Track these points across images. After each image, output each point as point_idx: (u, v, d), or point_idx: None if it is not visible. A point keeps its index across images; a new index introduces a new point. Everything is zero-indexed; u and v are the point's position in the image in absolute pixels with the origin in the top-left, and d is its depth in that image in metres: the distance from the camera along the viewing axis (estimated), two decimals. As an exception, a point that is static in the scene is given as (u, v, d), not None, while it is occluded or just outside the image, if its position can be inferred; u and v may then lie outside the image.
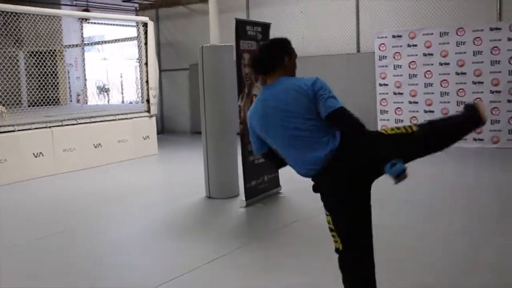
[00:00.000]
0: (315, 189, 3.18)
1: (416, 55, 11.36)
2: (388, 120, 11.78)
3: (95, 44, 17.50)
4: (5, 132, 9.00)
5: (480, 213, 6.09)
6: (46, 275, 4.67)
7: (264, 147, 3.29)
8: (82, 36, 16.40)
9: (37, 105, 12.43)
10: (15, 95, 10.49)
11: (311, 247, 5.09)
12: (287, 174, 6.95)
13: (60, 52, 14.70)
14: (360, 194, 3.13)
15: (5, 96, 10.28)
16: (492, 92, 10.64)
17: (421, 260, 4.62)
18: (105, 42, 17.31)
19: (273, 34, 7.72)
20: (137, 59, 12.48)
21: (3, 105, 9.88)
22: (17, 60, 13.51)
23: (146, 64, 11.65)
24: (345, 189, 3.08)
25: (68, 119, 10.14)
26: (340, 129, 3.06)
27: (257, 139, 3.28)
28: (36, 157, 9.32)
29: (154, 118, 11.86)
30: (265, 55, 3.26)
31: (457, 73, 10.95)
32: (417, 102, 11.47)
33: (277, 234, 5.65)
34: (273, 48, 3.29)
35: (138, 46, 11.91)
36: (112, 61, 18.90)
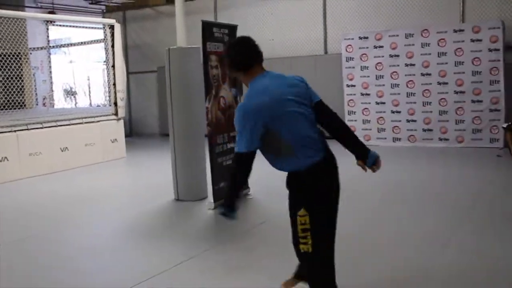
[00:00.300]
0: (297, 183, 3.21)
1: (383, 56, 11.52)
2: (355, 120, 11.91)
3: (61, 46, 17.28)
4: (-32, 136, 8.83)
5: (446, 209, 6.21)
6: (11, 282, 4.60)
7: (257, 144, 3.14)
8: (48, 38, 16.16)
9: (2, 109, 12.22)
10: (-22, 99, 10.29)
11: (279, 248, 5.11)
12: (255, 176, 6.97)
13: (25, 55, 14.47)
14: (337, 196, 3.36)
15: (-31, 100, 10.10)
16: (456, 92, 10.84)
17: (380, 259, 4.69)
18: (72, 44, 17.11)
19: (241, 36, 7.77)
20: (104, 61, 12.37)
21: (-33, 109, 9.70)
22: (-19, 63, 13.26)
23: (113, 66, 11.55)
24: (336, 187, 3.30)
25: (34, 123, 9.99)
26: (327, 114, 3.45)
27: (256, 134, 3.10)
28: (0, 161, 9.16)
29: (122, 121, 11.76)
30: (255, 48, 3.34)
31: (423, 74, 11.13)
32: (384, 103, 11.63)
33: (245, 235, 5.66)
34: (254, 42, 3.39)
35: (105, 48, 11.80)
36: (79, 64, 18.68)
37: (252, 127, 3.07)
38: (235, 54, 3.30)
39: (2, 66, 11.77)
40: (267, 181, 8.17)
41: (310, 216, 3.14)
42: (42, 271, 4.81)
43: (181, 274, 4.53)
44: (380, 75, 11.61)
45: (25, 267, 4.94)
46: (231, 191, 3.28)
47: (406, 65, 11.29)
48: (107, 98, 12.36)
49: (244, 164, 3.15)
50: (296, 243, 3.28)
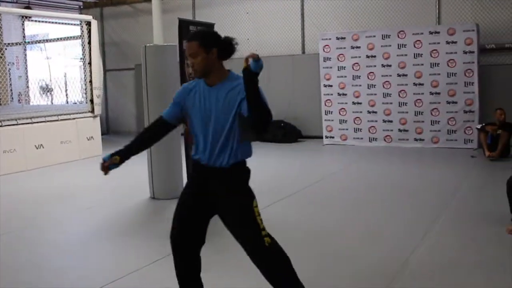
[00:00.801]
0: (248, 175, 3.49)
1: (360, 57, 11.60)
2: (332, 120, 11.99)
3: (37, 42, 17.06)
4: None
5: (420, 208, 6.29)
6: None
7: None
8: (23, 34, 15.94)
9: (-24, 105, 12.07)
10: (-49, 95, 10.14)
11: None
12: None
13: (0, 50, 14.27)
14: None
15: None
16: (432, 93, 10.98)
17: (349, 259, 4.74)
18: (48, 40, 16.91)
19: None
20: (81, 58, 12.27)
21: None
22: (-46, 59, 13.06)
23: (90, 63, 11.47)
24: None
25: (8, 120, 9.88)
26: None
27: None
28: (-26, 158, 9.05)
29: (98, 119, 11.68)
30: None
31: (399, 75, 11.25)
32: (360, 103, 11.72)
33: (221, 233, 5.66)
34: None
35: (82, 45, 11.71)
36: (55, 61, 18.47)
37: None
38: (228, 43, 3.35)
39: (-24, 62, 11.61)
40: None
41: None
42: (13, 270, 4.77)
43: (154, 273, 4.53)
44: (357, 76, 11.70)
45: (-3, 265, 4.89)
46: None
47: (383, 65, 11.39)
48: (84, 95, 12.27)
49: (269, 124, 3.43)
50: (257, 243, 3.32)
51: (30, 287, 4.34)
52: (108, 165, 3.48)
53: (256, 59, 3.11)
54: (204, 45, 3.26)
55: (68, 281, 4.44)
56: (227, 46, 3.34)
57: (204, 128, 3.31)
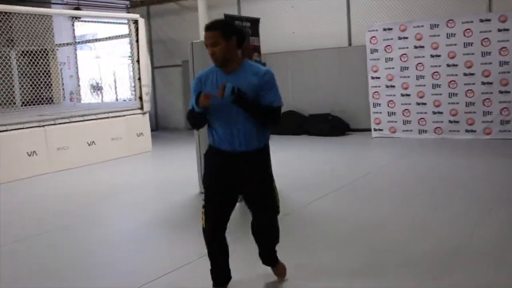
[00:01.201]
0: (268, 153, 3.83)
1: (407, 47, 11.40)
2: (380, 113, 11.84)
3: (87, 42, 17.46)
4: (-2, 131, 9.01)
5: (470, 201, 6.15)
6: (36, 273, 4.70)
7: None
8: (74, 34, 16.34)
9: (31, 104, 12.44)
10: (8, 95, 10.49)
11: (302, 239, 5.16)
12: (282, 168, 7.00)
13: (52, 51, 14.67)
14: None
15: (-2, 95, 10.30)
16: (483, 83, 10.69)
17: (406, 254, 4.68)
18: (97, 40, 17.28)
19: (263, 29, 7.76)
20: (129, 56, 12.49)
21: (-4, 104, 9.90)
22: (9, 60, 13.48)
23: (138, 61, 11.66)
24: None
25: (62, 118, 10.16)
26: None
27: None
28: (30, 156, 9.34)
29: (147, 115, 11.88)
30: None
31: (448, 65, 11.00)
32: (409, 95, 11.52)
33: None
34: None
35: (130, 43, 11.92)
36: (105, 59, 18.87)
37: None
38: (244, 31, 3.62)
39: (30, 62, 11.97)
40: (292, 173, 8.22)
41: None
42: (65, 263, 4.91)
43: (203, 267, 4.57)
44: (405, 67, 11.50)
45: (49, 260, 5.04)
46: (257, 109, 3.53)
47: (432, 56, 11.16)
48: (133, 92, 12.49)
49: (279, 116, 3.63)
50: (270, 211, 3.79)
51: (81, 281, 4.46)
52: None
53: (223, 93, 3.35)
54: (225, 34, 3.41)
55: (117, 275, 4.54)
56: (243, 34, 3.53)
57: (225, 116, 3.48)
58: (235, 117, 3.50)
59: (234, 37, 3.45)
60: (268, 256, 4.04)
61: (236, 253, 4.13)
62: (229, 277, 3.90)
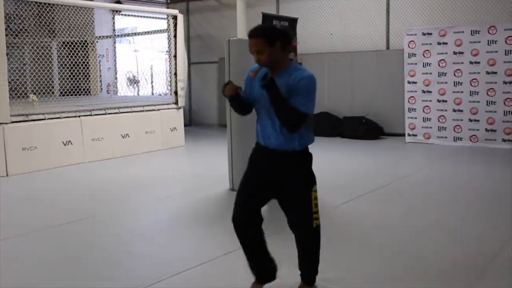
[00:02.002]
0: (309, 159, 3.73)
1: (446, 53, 11.24)
2: (415, 118, 11.70)
3: (126, 35, 17.68)
4: (36, 120, 9.20)
5: (505, 214, 6.04)
6: (69, 259, 4.80)
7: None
8: (114, 27, 16.58)
9: (68, 95, 12.67)
10: (47, 85, 10.70)
11: (330, 239, 5.13)
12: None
13: (92, 43, 14.91)
14: None
15: (38, 85, 10.50)
16: (523, 92, 10.48)
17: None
18: (136, 34, 17.50)
19: (301, 29, 7.76)
20: (167, 51, 12.61)
21: (35, 93, 10.09)
22: (50, 50, 13.75)
23: (175, 56, 11.77)
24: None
25: (98, 109, 10.31)
26: None
27: None
28: (65, 145, 9.51)
29: (181, 110, 11.97)
30: None
31: (488, 73, 10.80)
32: (445, 101, 11.35)
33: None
34: None
35: (168, 38, 12.04)
36: (143, 53, 19.09)
37: (315, 97, 3.48)
38: (288, 34, 3.56)
39: (70, 54, 12.18)
40: (324, 174, 8.18)
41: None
42: (96, 252, 4.99)
43: (231, 262, 4.60)
44: (442, 73, 11.34)
45: (80, 248, 5.13)
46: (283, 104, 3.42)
47: (471, 62, 10.98)
48: (168, 87, 12.61)
49: (300, 124, 3.44)
50: (309, 224, 3.65)
51: (110, 269, 4.53)
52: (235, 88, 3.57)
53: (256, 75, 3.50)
54: (269, 41, 3.42)
55: (146, 266, 4.59)
56: (287, 37, 3.50)
57: (269, 114, 3.49)
58: (269, 111, 3.50)
59: (278, 42, 3.43)
60: (303, 271, 3.88)
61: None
62: (271, 275, 3.87)
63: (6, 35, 8.80)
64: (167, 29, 12.04)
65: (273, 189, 3.66)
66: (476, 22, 11.13)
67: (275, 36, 3.43)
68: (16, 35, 11.84)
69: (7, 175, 8.59)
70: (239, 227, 3.71)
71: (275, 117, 3.47)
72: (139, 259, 4.79)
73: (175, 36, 11.73)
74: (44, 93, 10.72)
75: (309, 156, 3.66)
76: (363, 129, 12.34)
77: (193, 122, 16.26)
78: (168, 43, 12.06)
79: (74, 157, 9.59)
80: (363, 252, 4.85)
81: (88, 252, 4.99)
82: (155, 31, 14.60)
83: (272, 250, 3.88)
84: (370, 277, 4.26)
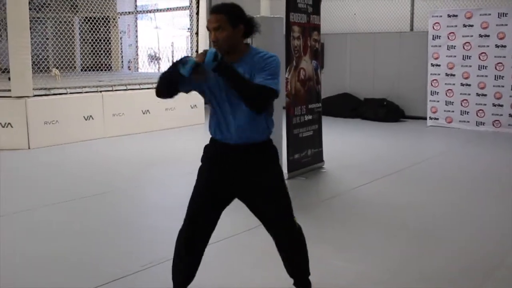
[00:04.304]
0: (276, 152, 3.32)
1: (472, 36, 11.04)
2: (438, 101, 11.55)
3: (147, 12, 17.66)
4: (58, 94, 9.27)
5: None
6: (89, 231, 4.86)
7: None
8: (135, 4, 16.57)
9: (90, 70, 12.73)
10: (69, 59, 10.75)
11: (347, 221, 5.13)
12: (330, 151, 6.94)
13: (114, 19, 14.92)
14: None
15: (60, 59, 10.56)
16: (549, 77, 10.29)
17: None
18: (158, 10, 17.46)
19: (324, 8, 7.67)
20: (189, 28, 12.57)
21: (58, 68, 10.15)
22: (72, 25, 13.79)
23: (197, 33, 11.72)
24: None
25: (119, 85, 10.35)
26: None
27: None
28: (86, 120, 9.57)
29: (202, 88, 11.94)
30: None
31: (514, 57, 10.61)
32: (469, 85, 11.19)
33: (316, 207, 5.69)
34: None
35: (190, 15, 11.99)
36: (164, 30, 19.06)
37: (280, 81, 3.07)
38: (253, 23, 3.16)
39: (92, 29, 12.21)
40: (343, 156, 8.15)
41: None
42: (117, 225, 5.05)
43: (248, 239, 4.63)
44: (467, 56, 11.16)
45: (101, 220, 5.19)
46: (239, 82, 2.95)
47: (497, 46, 10.77)
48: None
49: (268, 101, 3.05)
50: (290, 222, 3.27)
51: (130, 242, 4.58)
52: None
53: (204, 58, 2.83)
54: (232, 20, 3.02)
55: (167, 240, 4.61)
56: (252, 25, 3.13)
57: (228, 105, 3.06)
58: (230, 100, 3.05)
59: (241, 25, 3.05)
60: (296, 277, 3.45)
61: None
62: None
63: (30, 9, 8.83)
64: (189, 6, 11.99)
65: (238, 193, 3.29)
66: (504, 5, 10.91)
67: (240, 18, 3.06)
68: (39, 10, 11.90)
69: (29, 148, 8.69)
70: (187, 245, 3.41)
71: (238, 106, 3.02)
72: (159, 233, 4.82)
73: (197, 13, 11.67)
74: (66, 68, 10.78)
75: (275, 147, 3.26)
76: (384, 111, 12.24)
77: (213, 101, 16.23)
78: (190, 20, 12.02)
79: (95, 132, 9.65)
80: (380, 233, 4.84)
81: (109, 225, 5.05)
82: (177, 7, 14.55)
83: (270, 250, 3.76)
84: (386, 258, 4.24)
